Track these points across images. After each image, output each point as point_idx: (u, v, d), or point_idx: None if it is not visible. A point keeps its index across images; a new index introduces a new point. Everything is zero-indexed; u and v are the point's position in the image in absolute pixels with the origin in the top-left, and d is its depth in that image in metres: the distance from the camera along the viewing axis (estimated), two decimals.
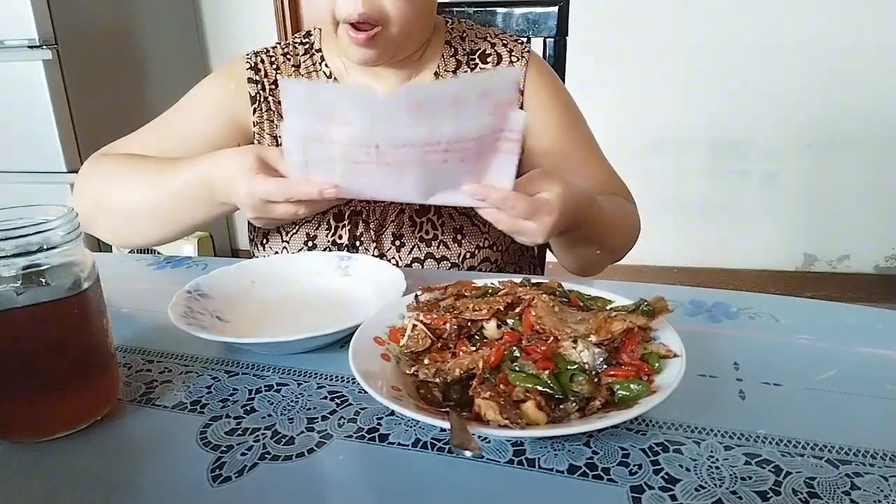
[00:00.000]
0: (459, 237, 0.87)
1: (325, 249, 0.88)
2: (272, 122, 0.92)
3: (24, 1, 1.87)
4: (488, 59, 0.92)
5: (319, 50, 0.95)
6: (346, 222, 0.88)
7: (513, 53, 0.92)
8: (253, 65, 0.94)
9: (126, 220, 0.85)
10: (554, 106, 0.91)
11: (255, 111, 0.93)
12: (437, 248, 0.86)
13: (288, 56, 0.96)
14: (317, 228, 0.88)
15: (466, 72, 0.91)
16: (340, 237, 0.88)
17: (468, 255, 0.87)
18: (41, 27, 1.91)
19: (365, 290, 0.70)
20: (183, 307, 0.63)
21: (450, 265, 0.87)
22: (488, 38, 0.94)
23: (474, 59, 0.93)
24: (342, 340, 0.60)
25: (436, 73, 0.92)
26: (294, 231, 0.89)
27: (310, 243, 0.88)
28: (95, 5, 2.18)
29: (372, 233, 0.88)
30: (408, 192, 0.66)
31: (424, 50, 0.92)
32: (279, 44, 0.98)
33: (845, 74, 2.30)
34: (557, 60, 1.11)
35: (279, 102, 0.92)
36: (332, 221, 0.88)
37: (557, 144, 0.90)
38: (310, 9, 2.68)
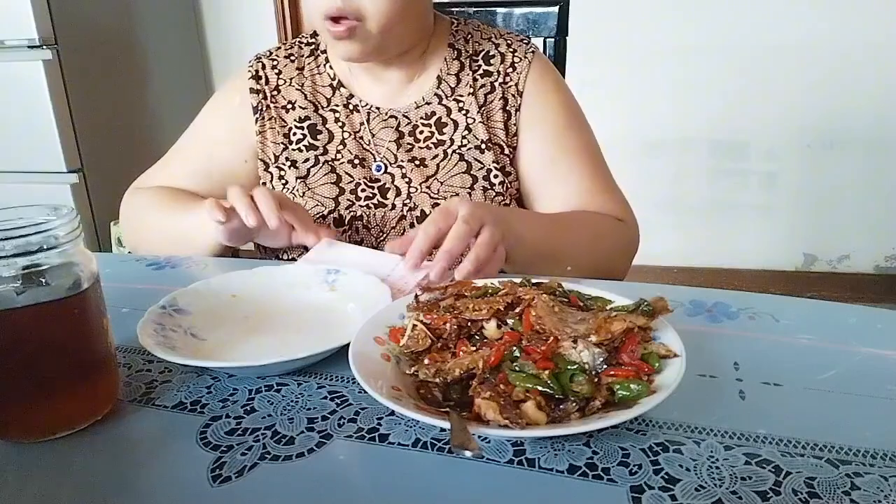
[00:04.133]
0: None
1: None
2: (274, 129, 0.93)
3: (24, 1, 1.87)
4: (492, 60, 0.92)
5: (325, 52, 0.96)
6: (346, 227, 0.87)
7: (516, 53, 0.91)
8: (255, 73, 0.95)
9: (160, 251, 0.91)
10: (552, 109, 0.90)
11: (256, 121, 0.93)
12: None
13: (292, 58, 0.96)
14: None
15: (469, 74, 0.91)
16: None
17: None
18: (41, 27, 1.91)
19: (350, 307, 0.67)
20: (154, 324, 0.60)
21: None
22: (493, 39, 0.94)
23: (477, 61, 0.92)
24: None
25: (438, 77, 0.91)
26: None
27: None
28: (95, 5, 2.18)
29: (373, 238, 0.87)
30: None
31: (425, 50, 0.92)
32: (284, 45, 0.98)
33: (845, 74, 2.30)
34: (557, 60, 1.12)
35: (283, 107, 0.93)
36: (332, 226, 0.87)
37: (547, 149, 0.89)
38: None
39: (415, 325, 0.55)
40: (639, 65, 2.44)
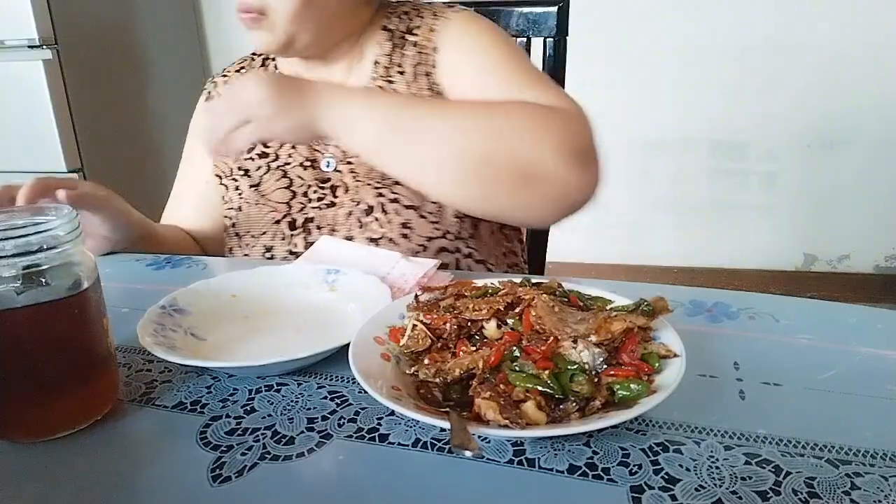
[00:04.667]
0: (407, 231, 0.84)
1: (282, 259, 0.87)
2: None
3: (24, 1, 1.87)
4: (416, 31, 0.90)
5: (274, 59, 0.98)
6: (300, 230, 0.88)
7: (436, 17, 0.90)
8: (207, 96, 0.99)
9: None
10: (470, 45, 0.87)
11: None
12: (386, 244, 0.83)
13: (243, 71, 0.99)
14: (272, 239, 0.88)
15: (399, 52, 0.89)
16: (296, 245, 0.87)
17: (420, 248, 0.84)
18: (41, 27, 1.91)
19: (350, 307, 0.67)
20: (154, 324, 0.60)
21: None
22: (421, 12, 0.92)
23: (404, 36, 0.91)
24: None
25: (375, 62, 0.90)
26: (253, 245, 0.89)
27: (268, 254, 0.88)
28: (95, 5, 2.18)
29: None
30: None
31: (359, 38, 0.91)
32: (238, 61, 1.02)
33: (845, 74, 2.30)
34: (557, 60, 1.11)
35: None
36: (286, 231, 0.88)
37: (473, 79, 0.85)
38: None
39: (415, 325, 0.55)
40: (639, 65, 2.44)
